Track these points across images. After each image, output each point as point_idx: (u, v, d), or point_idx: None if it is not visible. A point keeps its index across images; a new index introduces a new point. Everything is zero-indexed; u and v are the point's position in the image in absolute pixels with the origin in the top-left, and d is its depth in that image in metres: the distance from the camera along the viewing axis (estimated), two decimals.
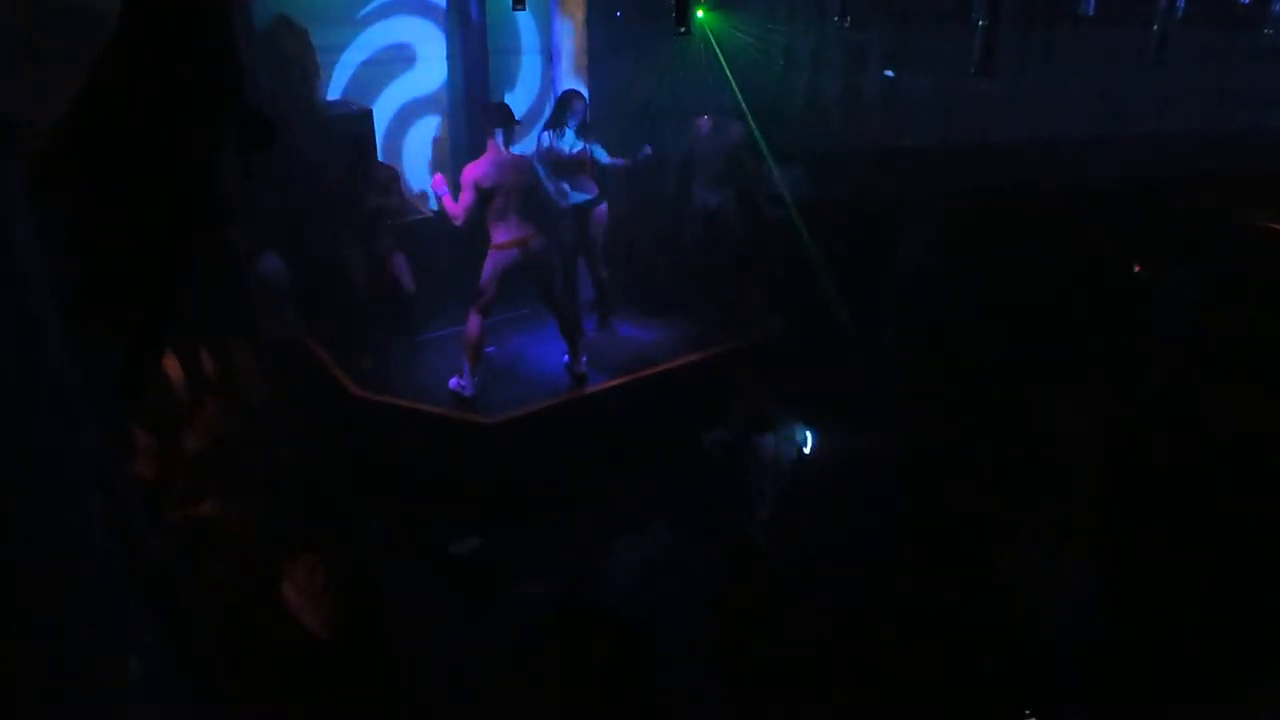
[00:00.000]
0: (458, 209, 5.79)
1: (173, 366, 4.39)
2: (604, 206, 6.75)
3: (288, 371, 6.06)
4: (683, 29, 6.25)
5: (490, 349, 6.70)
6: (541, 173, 6.46)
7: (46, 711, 0.89)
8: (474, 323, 6.03)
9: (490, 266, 5.96)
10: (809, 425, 4.99)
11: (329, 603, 3.16)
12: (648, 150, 6.54)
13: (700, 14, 7.49)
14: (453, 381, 6.14)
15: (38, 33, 4.88)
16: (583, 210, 6.66)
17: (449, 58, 7.39)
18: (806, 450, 4.94)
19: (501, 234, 5.90)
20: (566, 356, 6.35)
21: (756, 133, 7.28)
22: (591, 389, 6.14)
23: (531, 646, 4.86)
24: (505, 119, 5.85)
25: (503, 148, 5.82)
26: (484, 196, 5.76)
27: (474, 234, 6.08)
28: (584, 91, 6.92)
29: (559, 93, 6.84)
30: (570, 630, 4.81)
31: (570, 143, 6.45)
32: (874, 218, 6.74)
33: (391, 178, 6.39)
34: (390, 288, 6.49)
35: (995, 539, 4.52)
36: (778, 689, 4.11)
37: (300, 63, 6.52)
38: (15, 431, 0.85)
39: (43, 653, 0.88)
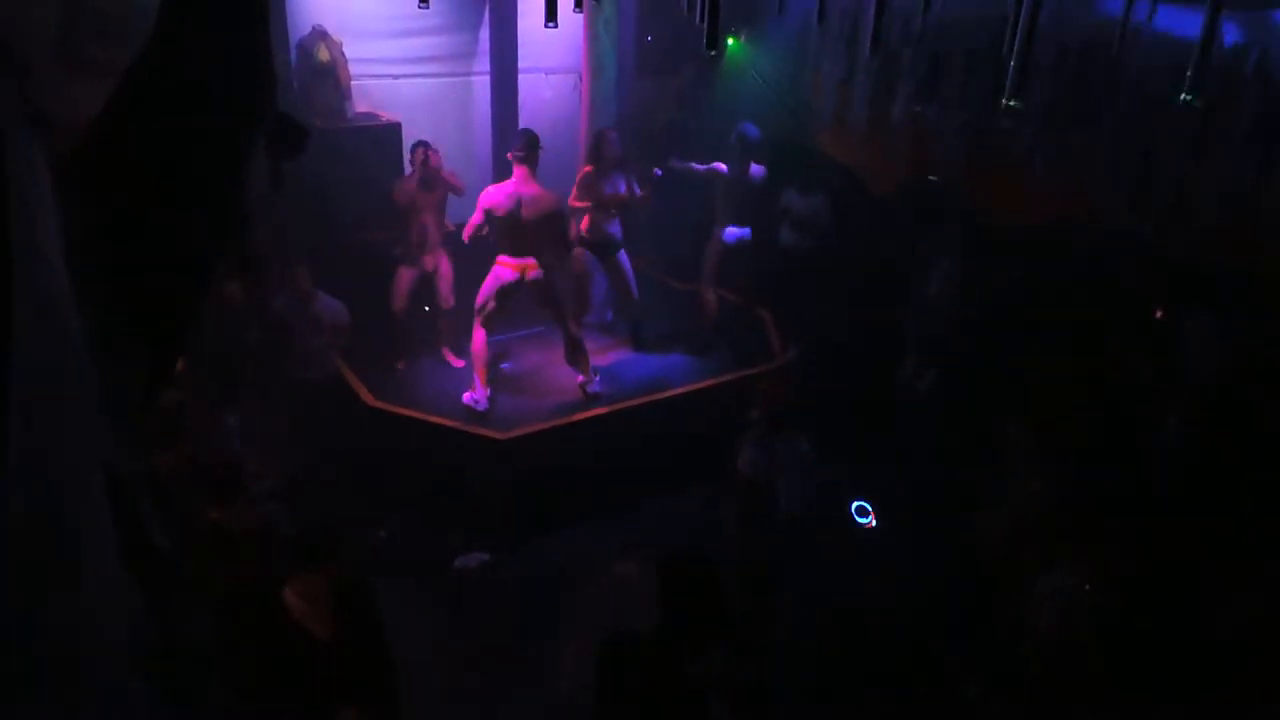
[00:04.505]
0: (467, 227, 5.92)
1: (188, 373, 4.41)
2: (624, 252, 6.72)
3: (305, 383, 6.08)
4: (713, 52, 6.28)
5: (505, 365, 6.73)
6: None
7: (45, 711, 0.88)
8: (479, 336, 6.07)
9: (490, 283, 6.01)
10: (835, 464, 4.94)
11: (333, 610, 3.16)
12: (658, 174, 6.54)
13: (730, 42, 7.54)
14: (466, 396, 6.15)
15: (78, 37, 4.98)
16: (609, 249, 6.67)
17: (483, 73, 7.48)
18: (840, 502, 4.89)
19: (505, 256, 5.95)
20: (581, 376, 6.36)
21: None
22: (605, 409, 6.13)
23: (532, 661, 4.84)
24: (526, 149, 5.82)
25: (527, 178, 5.81)
26: (495, 222, 5.81)
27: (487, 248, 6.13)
28: (613, 110, 6.96)
29: (593, 124, 6.88)
30: (571, 648, 4.78)
31: (611, 182, 6.44)
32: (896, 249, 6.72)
33: (451, 187, 6.46)
34: (434, 300, 6.58)
35: (1011, 577, 4.47)
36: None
37: (333, 74, 6.60)
38: (29, 427, 0.85)
39: (41, 652, 0.87)
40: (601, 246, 6.61)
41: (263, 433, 4.73)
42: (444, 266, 6.50)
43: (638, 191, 6.57)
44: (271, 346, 5.40)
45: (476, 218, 5.84)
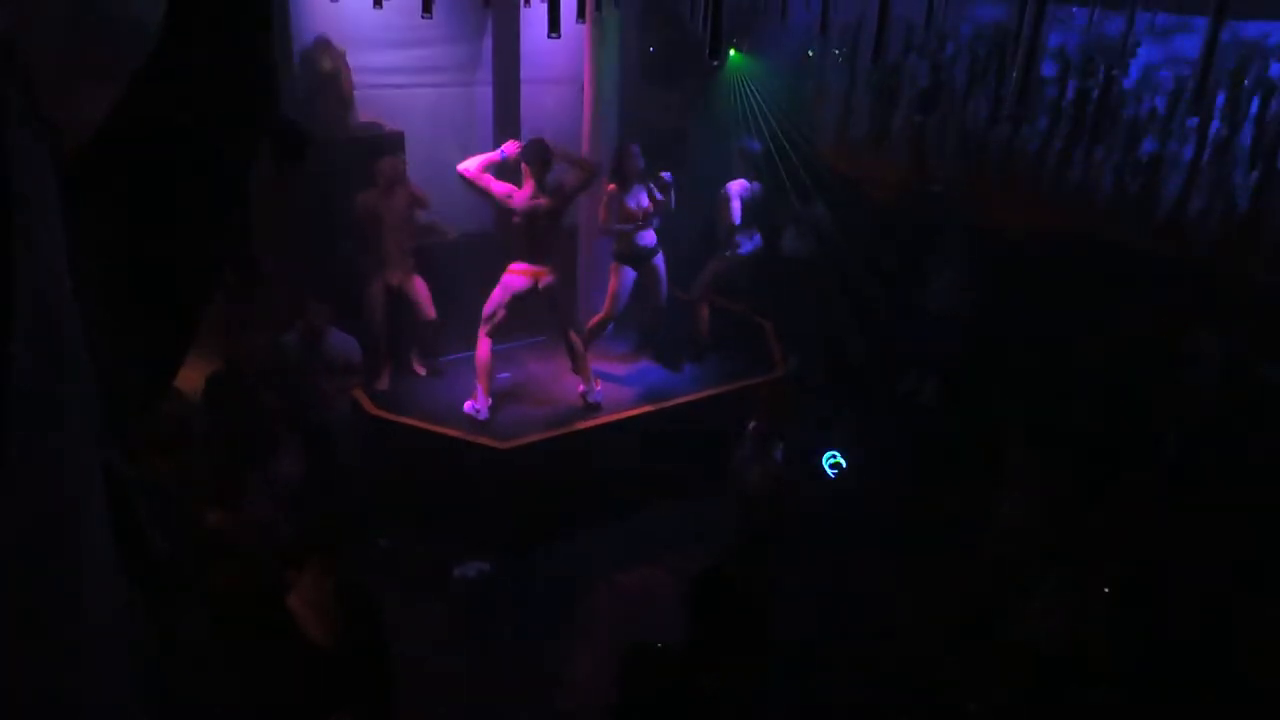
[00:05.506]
0: (474, 171, 5.77)
1: (189, 376, 4.41)
2: (661, 255, 6.71)
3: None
4: (715, 61, 6.31)
5: (505, 375, 6.71)
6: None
7: (39, 714, 0.88)
8: (483, 346, 6.05)
9: (500, 291, 6.00)
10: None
11: (335, 617, 3.15)
12: (667, 177, 6.53)
13: (732, 53, 7.57)
14: (467, 405, 6.14)
15: (86, 42, 5.00)
16: (646, 257, 6.64)
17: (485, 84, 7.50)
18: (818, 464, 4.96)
19: (516, 263, 5.95)
20: (582, 386, 6.35)
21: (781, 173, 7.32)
22: (605, 418, 6.13)
23: (529, 670, 4.82)
24: (535, 159, 5.80)
25: (535, 186, 5.81)
26: (509, 226, 5.83)
27: (493, 258, 6.13)
28: (614, 122, 6.97)
29: (595, 134, 6.87)
30: (576, 659, 4.77)
31: (635, 196, 6.38)
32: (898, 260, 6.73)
33: (415, 200, 6.40)
34: (411, 312, 6.48)
35: (1013, 588, 4.47)
36: None
37: (336, 83, 6.60)
38: (29, 429, 0.85)
39: (37, 655, 0.87)
40: (638, 258, 6.60)
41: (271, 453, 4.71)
42: (415, 280, 6.37)
43: (659, 198, 6.45)
44: (284, 397, 5.27)
45: (485, 178, 5.74)
